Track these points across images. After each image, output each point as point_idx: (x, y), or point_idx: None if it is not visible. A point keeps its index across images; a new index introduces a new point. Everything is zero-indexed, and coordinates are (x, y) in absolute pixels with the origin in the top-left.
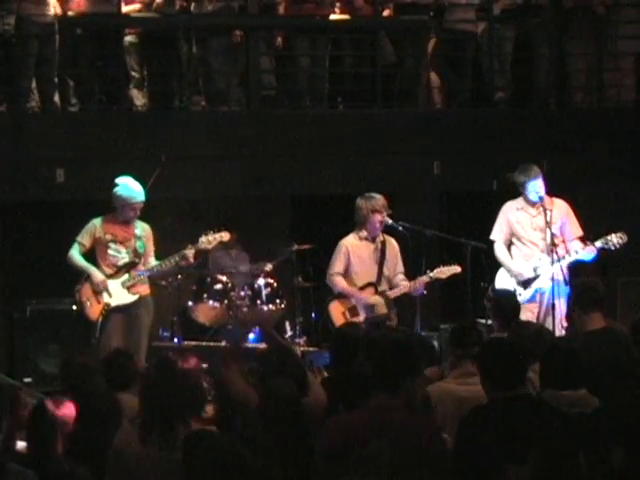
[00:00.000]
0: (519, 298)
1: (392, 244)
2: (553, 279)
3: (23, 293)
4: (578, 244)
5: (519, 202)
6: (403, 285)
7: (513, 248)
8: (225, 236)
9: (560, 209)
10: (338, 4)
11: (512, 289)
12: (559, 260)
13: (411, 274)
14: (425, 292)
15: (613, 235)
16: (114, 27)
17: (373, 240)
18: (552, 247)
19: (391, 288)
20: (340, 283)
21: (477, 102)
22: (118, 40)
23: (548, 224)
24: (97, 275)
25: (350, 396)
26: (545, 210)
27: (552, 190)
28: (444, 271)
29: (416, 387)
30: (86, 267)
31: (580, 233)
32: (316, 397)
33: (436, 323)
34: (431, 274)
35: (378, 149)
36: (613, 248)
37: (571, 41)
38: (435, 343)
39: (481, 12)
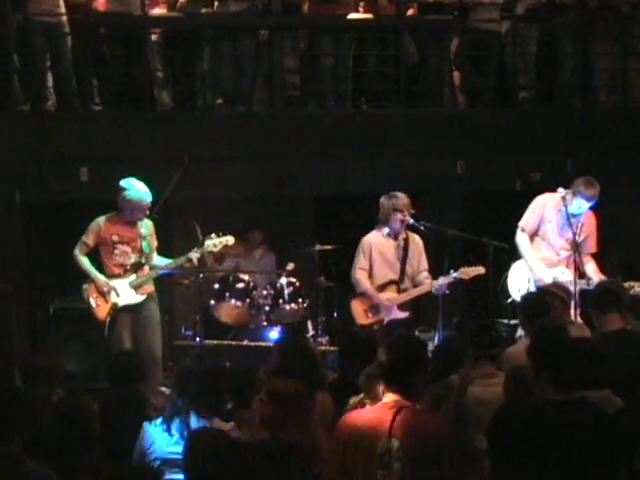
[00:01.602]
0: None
1: (416, 241)
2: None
3: (46, 292)
4: (592, 265)
5: (559, 202)
6: (426, 284)
7: (534, 244)
8: (230, 240)
9: (590, 223)
10: (362, 3)
11: (525, 288)
12: (576, 284)
13: (434, 274)
14: (448, 292)
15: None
16: (138, 27)
17: (395, 237)
18: (574, 265)
19: (415, 286)
20: (364, 283)
21: (501, 102)
22: (142, 40)
23: (576, 244)
24: (99, 279)
25: None
26: (578, 225)
27: None
28: (468, 271)
29: (425, 384)
30: (89, 270)
31: (595, 250)
32: (324, 403)
33: (459, 322)
34: (455, 274)
35: (401, 149)
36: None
37: (596, 40)
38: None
39: (505, 11)
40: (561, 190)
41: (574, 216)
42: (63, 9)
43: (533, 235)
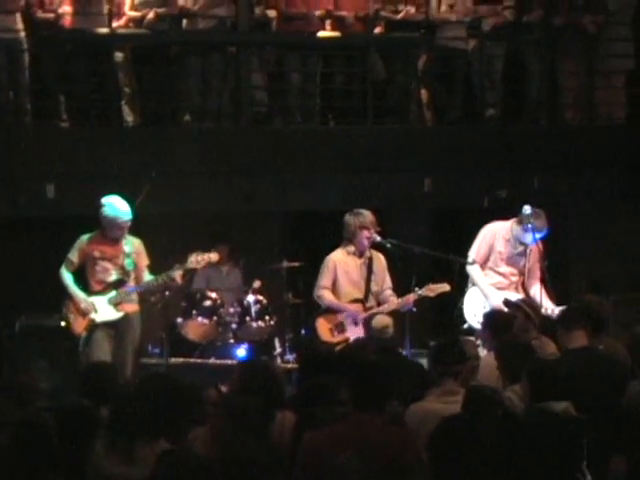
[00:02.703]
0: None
1: (379, 259)
2: None
3: (12, 308)
4: (537, 288)
5: (508, 231)
6: (391, 302)
7: (485, 271)
8: (214, 257)
9: (536, 250)
10: (329, 21)
11: (481, 313)
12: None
13: (400, 290)
14: (414, 309)
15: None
16: (106, 43)
17: (360, 255)
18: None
19: (379, 304)
20: (327, 297)
21: (468, 119)
22: (109, 56)
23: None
24: (79, 296)
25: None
26: (527, 251)
27: (542, 207)
28: (433, 289)
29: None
30: (70, 288)
31: (540, 276)
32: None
33: (426, 340)
34: (420, 291)
35: (369, 166)
36: None
37: (562, 59)
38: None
39: (472, 29)
40: (527, 208)
41: (523, 244)
42: (21, 25)
43: (484, 263)
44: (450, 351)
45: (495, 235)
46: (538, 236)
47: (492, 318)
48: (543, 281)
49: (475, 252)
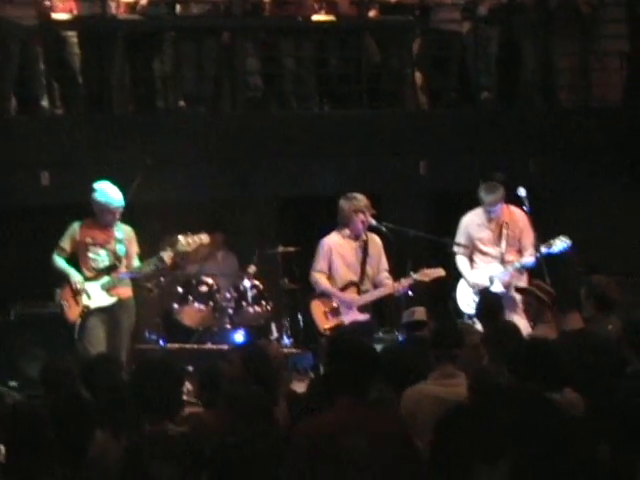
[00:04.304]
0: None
1: (375, 241)
2: (505, 284)
3: (8, 297)
4: (529, 252)
5: (479, 216)
6: (387, 285)
7: (474, 258)
8: (204, 238)
9: (516, 224)
10: (323, 5)
11: (472, 300)
12: (508, 268)
13: (396, 274)
14: (411, 293)
15: (556, 239)
16: (100, 29)
17: (356, 239)
18: (503, 258)
19: (375, 287)
20: (323, 282)
21: (463, 102)
22: (103, 42)
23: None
24: (74, 276)
25: None
26: (501, 225)
27: (537, 189)
28: (428, 273)
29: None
30: (65, 269)
31: (532, 245)
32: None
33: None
34: (415, 276)
35: (364, 150)
36: (557, 251)
37: (556, 40)
38: None
39: (466, 12)
40: (521, 190)
41: (491, 216)
42: (35, 13)
43: (471, 251)
44: (448, 334)
45: (468, 225)
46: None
47: (479, 304)
48: (535, 246)
49: (457, 239)
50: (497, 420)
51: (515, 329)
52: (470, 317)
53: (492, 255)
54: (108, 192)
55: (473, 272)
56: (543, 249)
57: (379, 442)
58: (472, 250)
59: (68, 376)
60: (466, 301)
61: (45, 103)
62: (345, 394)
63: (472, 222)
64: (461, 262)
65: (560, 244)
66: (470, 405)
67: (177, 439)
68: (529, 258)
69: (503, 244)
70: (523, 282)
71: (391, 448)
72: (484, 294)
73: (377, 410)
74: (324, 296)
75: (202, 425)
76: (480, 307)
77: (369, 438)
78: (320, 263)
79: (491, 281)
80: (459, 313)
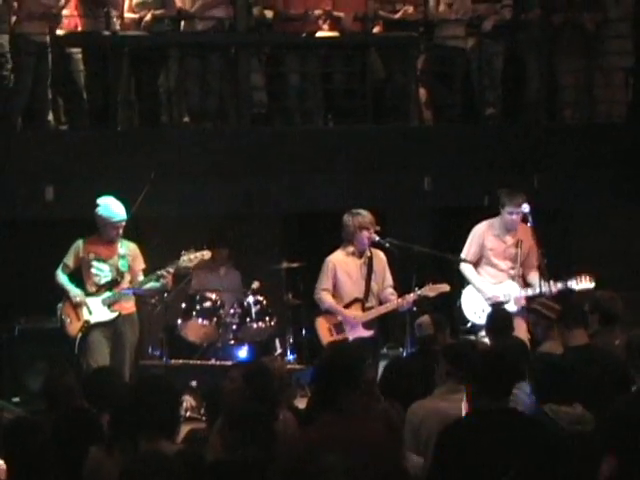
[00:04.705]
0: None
1: (379, 257)
2: (518, 304)
3: (11, 312)
4: (535, 275)
5: (496, 227)
6: (391, 301)
7: (481, 268)
8: (206, 255)
9: (528, 239)
10: (328, 21)
11: (480, 310)
12: (526, 290)
13: (400, 290)
14: (415, 309)
15: (583, 278)
16: (105, 45)
17: (360, 256)
18: (518, 277)
19: (380, 303)
20: (327, 300)
21: (467, 118)
22: (109, 58)
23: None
24: (72, 290)
25: None
26: (517, 242)
27: (542, 206)
28: (433, 289)
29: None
30: (65, 284)
31: (537, 263)
32: (286, 423)
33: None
34: (419, 292)
35: (369, 165)
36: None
37: (561, 57)
38: None
39: (471, 28)
40: (525, 206)
41: (513, 223)
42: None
43: (478, 261)
44: (458, 351)
45: (483, 234)
46: (518, 215)
47: (490, 318)
48: (540, 268)
49: (466, 253)
50: (497, 435)
51: (523, 345)
52: (474, 327)
53: (500, 268)
54: (111, 207)
55: (488, 285)
56: (561, 285)
57: (360, 458)
58: (480, 261)
59: (69, 390)
60: (473, 310)
61: (50, 118)
62: (325, 410)
63: (488, 232)
64: (467, 269)
65: (585, 284)
66: (469, 420)
67: (172, 457)
68: (535, 286)
69: (518, 263)
70: (512, 286)
71: (374, 464)
72: (496, 309)
73: (361, 425)
74: (329, 312)
75: (201, 442)
76: (490, 322)
77: (349, 454)
78: (324, 282)
79: (507, 298)
80: (463, 321)
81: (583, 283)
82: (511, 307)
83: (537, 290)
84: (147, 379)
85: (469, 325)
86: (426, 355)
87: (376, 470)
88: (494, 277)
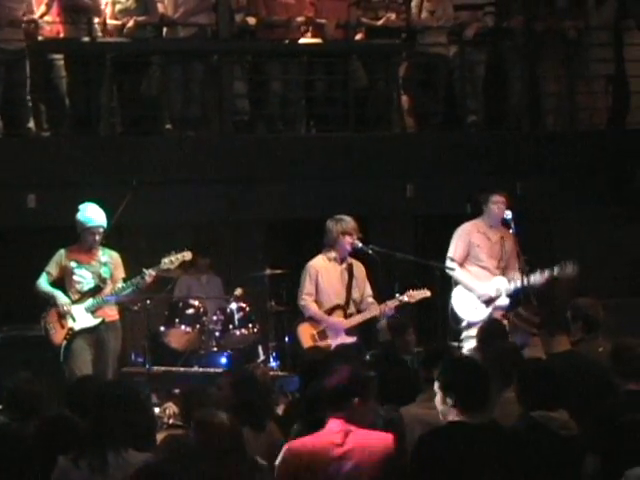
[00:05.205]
0: (481, 315)
1: (359, 267)
2: (511, 297)
3: None
4: (516, 272)
5: (480, 225)
6: (373, 309)
7: (468, 266)
8: (187, 255)
9: (510, 242)
10: (310, 28)
11: (473, 307)
12: (515, 282)
13: (382, 297)
14: (398, 315)
15: (566, 266)
16: (87, 52)
17: (341, 262)
18: (505, 271)
19: (359, 311)
20: (312, 307)
21: (450, 125)
22: (91, 65)
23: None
24: (60, 298)
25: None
26: (502, 239)
27: (524, 212)
28: (413, 295)
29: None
30: (50, 291)
31: (518, 266)
32: (272, 434)
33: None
34: (400, 298)
35: (351, 172)
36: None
37: (543, 64)
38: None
39: (453, 35)
40: (508, 213)
41: (506, 223)
42: (23, 36)
43: (464, 260)
44: (439, 357)
45: (469, 231)
46: (504, 209)
47: (483, 328)
48: (521, 272)
49: (452, 251)
50: (473, 442)
51: (514, 349)
52: (469, 324)
53: (486, 266)
54: (88, 212)
55: (478, 283)
56: (547, 274)
57: (365, 464)
58: (466, 261)
59: (37, 397)
60: (466, 308)
61: (31, 125)
62: (329, 414)
63: (474, 229)
64: (461, 274)
65: (569, 272)
66: (445, 428)
67: (139, 467)
68: (539, 277)
69: (504, 257)
70: (499, 281)
71: (378, 470)
72: (488, 320)
73: (365, 431)
74: (312, 319)
75: (172, 450)
76: (482, 332)
77: (355, 460)
78: (307, 287)
79: (498, 293)
80: (457, 321)
81: (567, 269)
82: (503, 301)
83: (524, 282)
84: (108, 388)
85: (464, 324)
86: (387, 360)
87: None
88: (482, 275)
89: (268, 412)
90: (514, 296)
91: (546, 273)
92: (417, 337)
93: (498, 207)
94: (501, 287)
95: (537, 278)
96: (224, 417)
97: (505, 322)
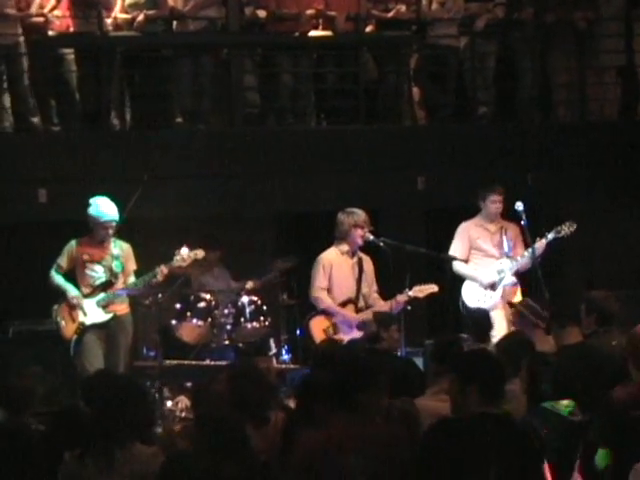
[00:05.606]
0: (491, 300)
1: (368, 262)
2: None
3: (5, 314)
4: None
5: (477, 220)
6: (380, 304)
7: (472, 259)
8: (199, 253)
9: (514, 230)
10: (320, 21)
11: (482, 294)
12: (517, 260)
13: (394, 290)
14: (409, 307)
15: (563, 225)
16: (97, 46)
17: (352, 255)
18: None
19: (367, 306)
20: (326, 300)
21: (460, 117)
22: (101, 59)
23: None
24: (71, 291)
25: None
26: (502, 229)
27: (535, 203)
28: (422, 290)
29: (376, 402)
30: (62, 285)
31: (522, 254)
32: (277, 425)
33: (421, 339)
34: (409, 292)
35: (362, 165)
36: (565, 236)
37: (553, 55)
38: (420, 359)
39: (463, 27)
40: (519, 204)
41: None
42: (20, 30)
43: (468, 255)
44: (450, 349)
45: (467, 228)
46: (500, 200)
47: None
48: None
49: (453, 251)
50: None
51: (525, 340)
52: (479, 310)
53: (489, 254)
54: (100, 206)
55: (481, 272)
56: (551, 235)
57: (376, 459)
58: (471, 252)
59: (29, 393)
60: (476, 297)
61: (36, 120)
62: (338, 409)
63: (471, 225)
64: (464, 268)
65: (567, 229)
66: (453, 419)
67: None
68: (540, 243)
69: (505, 245)
70: (502, 264)
71: (388, 464)
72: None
73: (376, 426)
74: (324, 313)
75: (174, 445)
76: (475, 327)
77: (366, 456)
78: (321, 280)
79: (502, 275)
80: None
81: (566, 229)
82: (508, 280)
83: (529, 258)
84: (113, 383)
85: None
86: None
87: (394, 469)
88: (487, 264)
89: (268, 406)
90: (525, 269)
91: (546, 237)
92: (427, 330)
93: (496, 206)
94: (504, 267)
95: (538, 245)
96: (226, 413)
97: (511, 310)
